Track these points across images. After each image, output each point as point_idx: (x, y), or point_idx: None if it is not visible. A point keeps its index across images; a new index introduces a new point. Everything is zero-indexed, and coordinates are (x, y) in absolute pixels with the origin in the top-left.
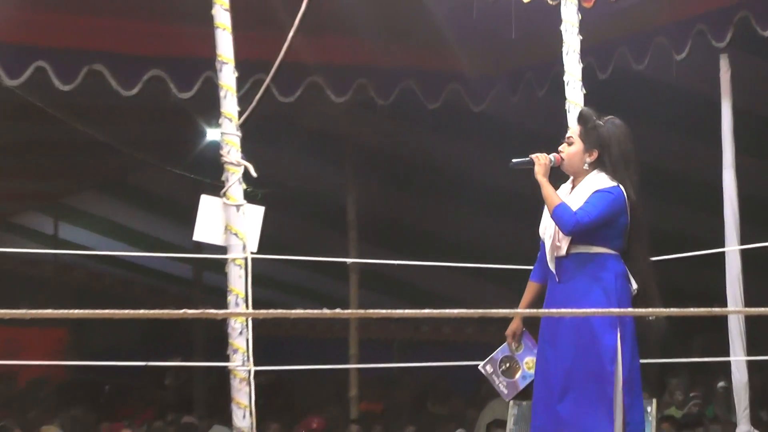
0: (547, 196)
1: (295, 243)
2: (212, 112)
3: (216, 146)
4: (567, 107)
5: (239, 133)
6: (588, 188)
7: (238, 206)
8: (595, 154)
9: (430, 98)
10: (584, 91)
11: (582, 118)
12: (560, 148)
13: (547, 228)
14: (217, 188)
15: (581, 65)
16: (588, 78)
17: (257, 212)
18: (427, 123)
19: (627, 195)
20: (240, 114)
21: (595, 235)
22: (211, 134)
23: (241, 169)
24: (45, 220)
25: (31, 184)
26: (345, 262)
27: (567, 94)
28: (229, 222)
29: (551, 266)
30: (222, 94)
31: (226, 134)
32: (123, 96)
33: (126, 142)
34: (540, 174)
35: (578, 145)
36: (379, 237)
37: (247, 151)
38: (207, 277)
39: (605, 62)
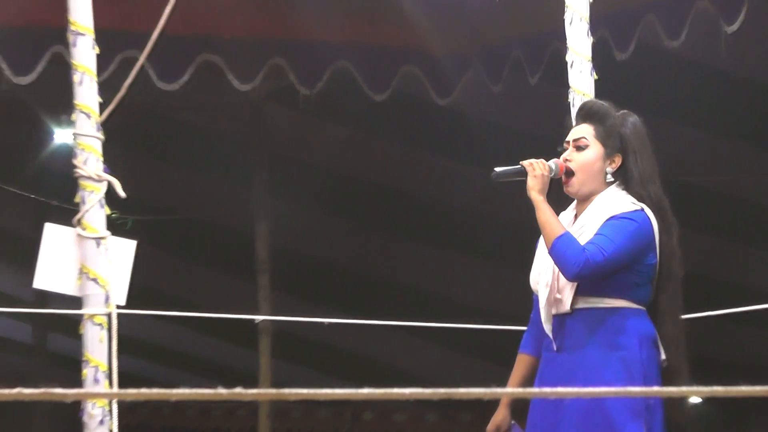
0: (545, 223)
1: (181, 292)
2: (62, 104)
3: (67, 153)
4: (570, 98)
5: (101, 135)
6: (601, 212)
7: (98, 239)
8: (618, 162)
9: (376, 86)
10: (595, 77)
11: (596, 114)
12: (566, 156)
13: (543, 272)
14: (68, 213)
15: (591, 40)
16: (601, 58)
17: (127, 248)
18: (371, 121)
19: (654, 223)
20: (102, 107)
21: (612, 282)
22: (61, 136)
23: (104, 187)
24: None
25: None
26: (253, 320)
27: (570, 80)
28: (86, 262)
29: (547, 328)
30: (76, 78)
31: (81, 136)
32: None
33: None
34: (535, 189)
35: (595, 149)
36: (300, 284)
37: (113, 161)
38: (53, 341)
39: (625, 36)
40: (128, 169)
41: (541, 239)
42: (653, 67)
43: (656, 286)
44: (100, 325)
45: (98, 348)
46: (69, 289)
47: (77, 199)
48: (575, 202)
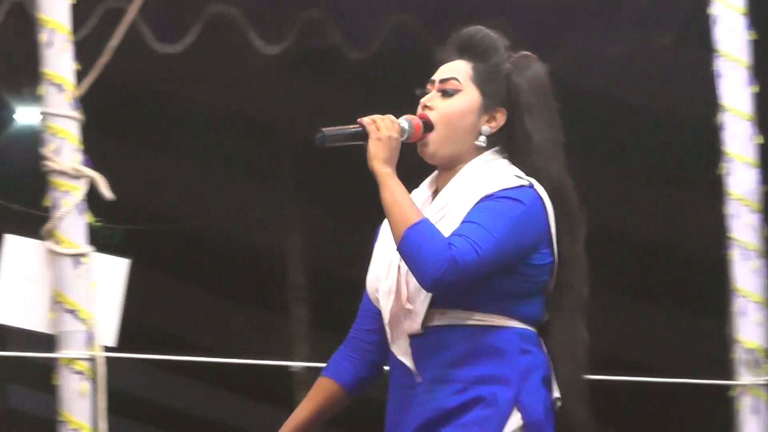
0: (393, 206)
1: (187, 330)
2: (24, 72)
3: (31, 139)
4: (716, 67)
5: (78, 115)
6: (471, 189)
7: (77, 257)
8: (501, 120)
9: (268, 35)
10: (753, 36)
11: (478, 47)
12: (425, 101)
13: (385, 273)
14: (34, 221)
15: None
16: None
17: (116, 269)
18: (261, 82)
19: (549, 208)
20: (80, 76)
21: (484, 290)
22: (24, 115)
23: (84, 185)
24: None
25: None
26: (287, 368)
27: (717, 41)
28: (61, 287)
29: (398, 351)
30: (44, 36)
31: (51, 116)
32: None
33: None
34: (378, 158)
35: (469, 96)
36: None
37: (95, 150)
38: (15, 394)
39: None
40: (115, 162)
41: (384, 226)
42: None
43: (549, 300)
44: (81, 372)
45: (79, 404)
46: (37, 324)
47: (47, 202)
48: (433, 174)
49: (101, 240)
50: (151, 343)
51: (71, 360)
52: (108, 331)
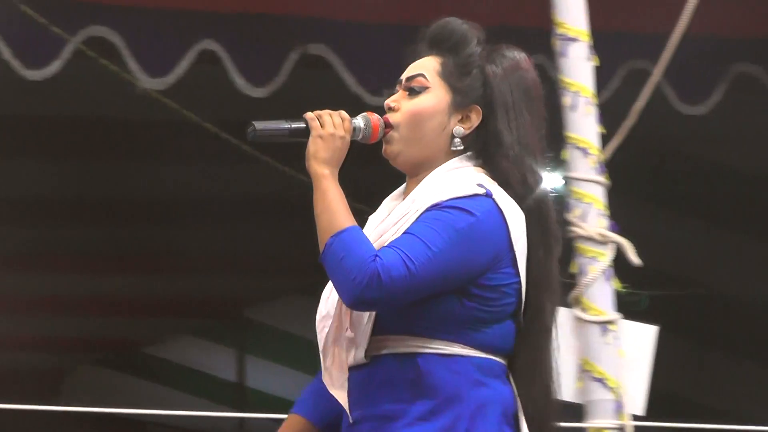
0: (322, 210)
1: (716, 394)
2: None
3: (554, 203)
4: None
5: (603, 179)
6: (428, 197)
7: (605, 324)
8: (475, 120)
9: None
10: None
11: (448, 39)
12: (389, 102)
13: (330, 293)
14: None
15: None
16: None
17: (644, 336)
18: None
19: (514, 220)
20: (605, 139)
21: (436, 313)
22: (547, 180)
23: (611, 251)
24: None
25: None
26: None
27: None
28: (589, 355)
29: (334, 385)
30: (568, 100)
31: (576, 180)
32: None
33: None
34: (317, 158)
35: (436, 94)
36: None
37: (620, 212)
38: None
39: None
40: (640, 226)
41: None
42: None
43: (517, 325)
44: None
45: None
46: (565, 393)
47: (573, 269)
48: (403, 186)
49: (627, 306)
50: (675, 411)
51: (600, 430)
52: (636, 400)
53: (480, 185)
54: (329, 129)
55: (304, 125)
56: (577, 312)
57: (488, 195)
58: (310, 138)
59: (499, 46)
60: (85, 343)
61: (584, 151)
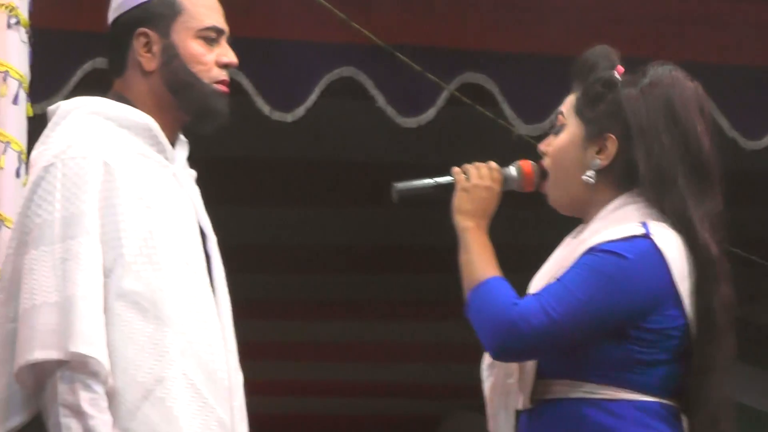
0: (465, 264)
1: None
2: None
3: None
4: None
5: None
6: (588, 239)
7: None
8: (612, 149)
9: None
10: None
11: (582, 68)
12: (541, 146)
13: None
14: None
15: None
16: None
17: None
18: None
19: (674, 258)
20: None
21: (593, 358)
22: None
23: None
24: None
25: None
26: None
27: None
28: None
29: (497, 428)
30: None
31: None
32: None
33: None
34: (462, 211)
35: (571, 127)
36: None
37: None
38: None
39: None
40: None
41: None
42: None
43: (690, 364)
44: None
45: None
46: None
47: None
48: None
49: None
50: None
51: None
52: None
53: (642, 224)
54: (474, 180)
55: (451, 179)
56: None
57: (646, 236)
58: (456, 191)
59: (649, 66)
60: None
61: None
